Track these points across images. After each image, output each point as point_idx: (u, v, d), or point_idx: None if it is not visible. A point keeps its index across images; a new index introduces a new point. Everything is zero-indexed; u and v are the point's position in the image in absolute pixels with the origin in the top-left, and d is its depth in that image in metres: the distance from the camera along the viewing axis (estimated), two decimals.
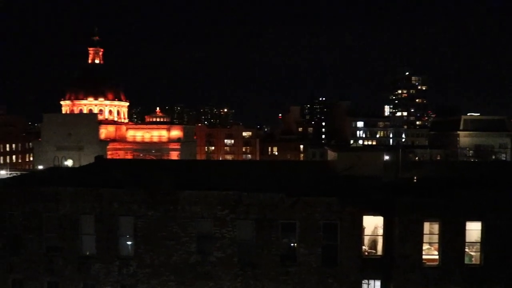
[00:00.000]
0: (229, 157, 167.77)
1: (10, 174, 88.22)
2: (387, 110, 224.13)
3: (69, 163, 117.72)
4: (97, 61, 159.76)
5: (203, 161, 64.17)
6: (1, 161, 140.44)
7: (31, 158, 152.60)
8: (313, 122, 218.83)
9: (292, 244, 25.16)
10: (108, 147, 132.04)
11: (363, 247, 25.22)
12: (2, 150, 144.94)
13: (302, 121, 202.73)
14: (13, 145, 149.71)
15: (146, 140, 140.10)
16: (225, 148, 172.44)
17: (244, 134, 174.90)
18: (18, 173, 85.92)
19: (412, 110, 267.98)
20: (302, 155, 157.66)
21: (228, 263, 25.32)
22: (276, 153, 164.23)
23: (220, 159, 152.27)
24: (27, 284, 27.38)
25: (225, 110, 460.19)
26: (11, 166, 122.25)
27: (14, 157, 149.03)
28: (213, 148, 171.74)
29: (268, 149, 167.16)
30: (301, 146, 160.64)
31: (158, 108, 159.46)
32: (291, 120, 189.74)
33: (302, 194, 24.66)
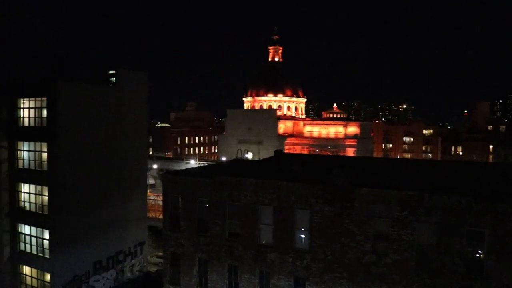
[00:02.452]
0: (407, 155, 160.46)
1: (198, 163, 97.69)
2: None
3: (249, 156, 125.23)
4: (276, 59, 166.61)
5: (381, 158, 62.37)
6: (191, 152, 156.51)
7: (216, 150, 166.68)
8: (506, 120, 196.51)
9: (477, 255, 22.83)
10: (285, 141, 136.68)
11: None
12: (192, 142, 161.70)
13: (492, 118, 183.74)
14: (201, 138, 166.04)
15: (323, 136, 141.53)
16: (404, 146, 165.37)
17: (425, 131, 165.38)
18: (205, 163, 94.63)
19: None
20: (491, 156, 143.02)
21: (404, 267, 24.11)
22: (461, 153, 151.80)
23: (398, 157, 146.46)
24: (211, 264, 29.87)
25: (404, 106, 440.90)
26: (199, 156, 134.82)
27: (201, 148, 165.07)
28: (390, 145, 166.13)
29: (451, 148, 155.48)
30: (491, 146, 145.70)
31: (335, 104, 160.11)
32: (478, 117, 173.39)
33: (494, 200, 22.17)
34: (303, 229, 26.86)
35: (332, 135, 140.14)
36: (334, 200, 25.71)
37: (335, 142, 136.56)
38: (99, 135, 42.94)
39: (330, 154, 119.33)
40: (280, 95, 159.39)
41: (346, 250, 25.50)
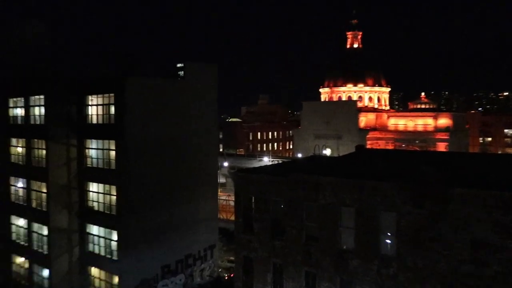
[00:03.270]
0: (510, 150, 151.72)
1: (271, 161, 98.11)
2: None
3: (327, 152, 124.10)
4: (355, 46, 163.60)
5: (478, 154, 59.32)
6: (264, 148, 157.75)
7: (291, 146, 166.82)
8: None
9: None
10: (367, 136, 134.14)
11: None
12: (265, 138, 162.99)
13: None
14: (275, 133, 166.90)
15: (409, 129, 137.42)
16: (505, 139, 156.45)
17: None
18: (279, 160, 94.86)
19: None
20: None
21: (511, 281, 22.63)
22: None
23: (499, 152, 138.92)
24: (286, 270, 29.77)
25: (505, 94, 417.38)
26: (273, 153, 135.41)
27: (275, 144, 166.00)
28: (489, 139, 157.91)
29: None
30: None
31: (423, 94, 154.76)
32: None
33: None
34: (389, 234, 26.06)
35: (420, 128, 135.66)
36: (425, 201, 24.67)
37: (424, 136, 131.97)
38: (167, 132, 44.11)
39: (418, 149, 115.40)
40: (360, 85, 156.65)
41: (439, 259, 24.39)
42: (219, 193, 63.45)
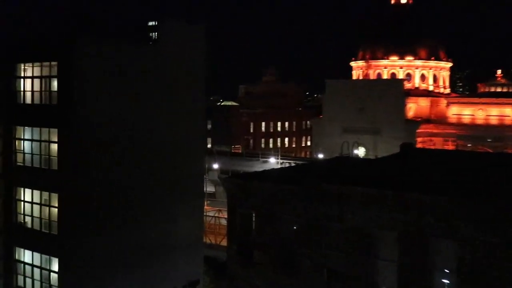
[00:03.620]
0: None
1: (281, 163, 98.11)
2: None
3: (360, 152, 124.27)
4: (403, 1, 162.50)
5: None
6: (271, 144, 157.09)
7: (308, 143, 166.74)
8: None
9: None
10: (418, 130, 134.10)
11: None
12: (272, 130, 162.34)
13: None
14: (286, 124, 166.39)
15: (479, 122, 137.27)
16: None
17: None
18: (292, 162, 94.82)
19: None
20: None
21: None
22: None
23: None
24: None
25: None
26: (283, 151, 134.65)
27: (286, 140, 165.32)
28: None
29: None
30: None
31: (499, 71, 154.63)
32: None
33: None
34: (446, 271, 26.03)
35: (494, 121, 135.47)
36: (498, 225, 24.64)
37: (500, 132, 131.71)
38: (132, 118, 44.14)
39: (491, 151, 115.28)
40: (409, 57, 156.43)
41: None
42: (205, 207, 63.59)
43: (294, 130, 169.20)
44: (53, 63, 41.68)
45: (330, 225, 28.73)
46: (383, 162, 40.41)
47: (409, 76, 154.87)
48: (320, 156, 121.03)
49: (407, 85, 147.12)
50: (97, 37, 43.97)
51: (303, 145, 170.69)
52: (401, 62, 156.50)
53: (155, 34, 47.77)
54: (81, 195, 41.31)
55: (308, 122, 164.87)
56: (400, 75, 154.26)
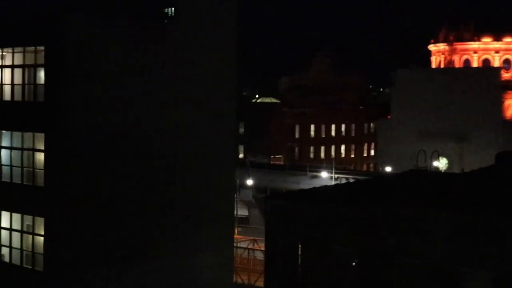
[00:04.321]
0: None
1: (335, 178, 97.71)
2: None
3: (441, 164, 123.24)
4: None
5: None
6: (322, 154, 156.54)
7: (372, 152, 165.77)
8: None
9: None
10: None
11: None
12: (324, 135, 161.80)
13: None
14: (342, 127, 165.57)
15: None
16: None
17: None
18: (350, 177, 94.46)
19: None
20: None
21: None
22: None
23: None
24: None
25: None
26: (338, 163, 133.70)
27: (342, 148, 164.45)
28: None
29: None
30: None
31: None
32: None
33: None
34: None
35: None
36: None
37: None
38: (141, 120, 44.09)
39: None
40: (508, 38, 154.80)
41: None
42: (236, 236, 63.56)
43: (353, 135, 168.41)
44: (39, 48, 41.93)
45: (404, 262, 28.45)
46: (473, 177, 39.98)
47: (507, 64, 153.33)
48: (388, 169, 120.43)
49: (505, 75, 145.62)
50: (95, 16, 44.16)
51: (365, 154, 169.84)
52: (497, 45, 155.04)
53: (171, 10, 47.75)
54: (74, 221, 41.32)
55: (371, 124, 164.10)
56: (496, 62, 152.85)
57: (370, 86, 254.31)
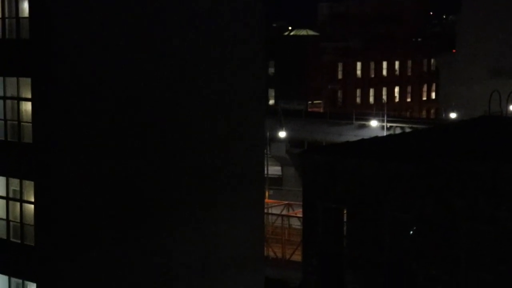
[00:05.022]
0: None
1: (388, 127, 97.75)
2: None
3: None
4: None
5: None
6: (371, 100, 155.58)
7: (433, 95, 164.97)
8: None
9: None
10: None
11: None
12: (373, 75, 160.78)
13: None
14: (396, 64, 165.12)
15: None
16: None
17: None
18: (406, 126, 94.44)
19: None
20: None
21: None
22: None
23: None
24: None
25: None
26: (391, 109, 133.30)
27: (396, 90, 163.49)
28: None
29: None
30: None
31: None
32: None
33: None
34: None
35: None
36: None
37: None
38: (150, 65, 44.27)
39: None
40: None
41: None
42: (266, 200, 63.81)
43: (409, 74, 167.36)
44: None
45: (474, 229, 28.55)
46: None
47: None
48: (453, 116, 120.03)
49: None
50: None
51: (424, 98, 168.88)
52: None
53: None
54: (71, 184, 41.67)
55: (432, 61, 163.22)
56: None
57: (430, 13, 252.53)
